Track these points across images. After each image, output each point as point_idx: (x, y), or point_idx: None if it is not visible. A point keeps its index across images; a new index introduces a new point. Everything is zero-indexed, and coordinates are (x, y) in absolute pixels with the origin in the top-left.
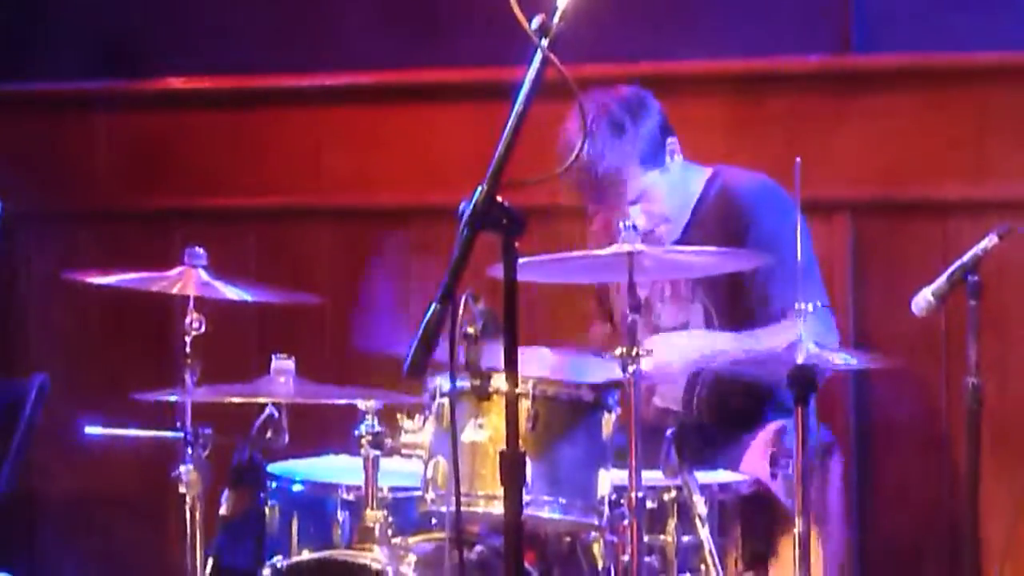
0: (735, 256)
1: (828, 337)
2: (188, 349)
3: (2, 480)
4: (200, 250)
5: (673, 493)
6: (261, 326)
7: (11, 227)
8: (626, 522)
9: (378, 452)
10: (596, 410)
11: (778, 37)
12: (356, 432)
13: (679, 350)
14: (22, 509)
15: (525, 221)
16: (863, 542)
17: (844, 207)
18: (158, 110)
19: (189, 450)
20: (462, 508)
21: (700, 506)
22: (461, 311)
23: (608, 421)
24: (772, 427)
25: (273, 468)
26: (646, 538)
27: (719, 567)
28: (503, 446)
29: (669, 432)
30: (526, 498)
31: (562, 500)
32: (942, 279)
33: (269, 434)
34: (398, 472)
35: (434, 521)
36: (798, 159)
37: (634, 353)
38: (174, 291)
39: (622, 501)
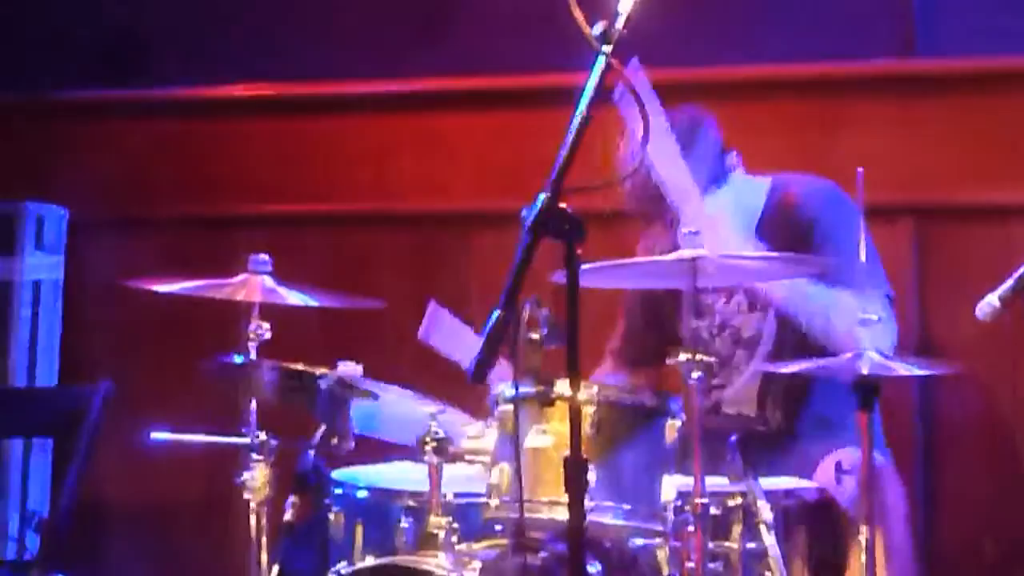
0: (798, 261)
1: (887, 330)
2: (253, 356)
3: (68, 487)
4: (264, 257)
5: (738, 499)
6: (324, 332)
7: (77, 234)
8: (690, 528)
9: (442, 458)
10: (659, 416)
11: (841, 41)
12: (420, 438)
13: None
14: (87, 516)
15: (587, 227)
16: (928, 550)
17: (907, 211)
18: (222, 117)
19: (254, 456)
20: (525, 514)
21: (765, 512)
22: (524, 317)
23: (672, 427)
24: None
25: (337, 474)
26: (710, 545)
27: (784, 574)
28: (566, 452)
29: (733, 438)
30: (589, 504)
31: (625, 506)
32: (1008, 283)
33: (334, 440)
34: (462, 478)
35: (498, 527)
36: (860, 169)
37: (697, 360)
38: (239, 298)
39: (686, 507)
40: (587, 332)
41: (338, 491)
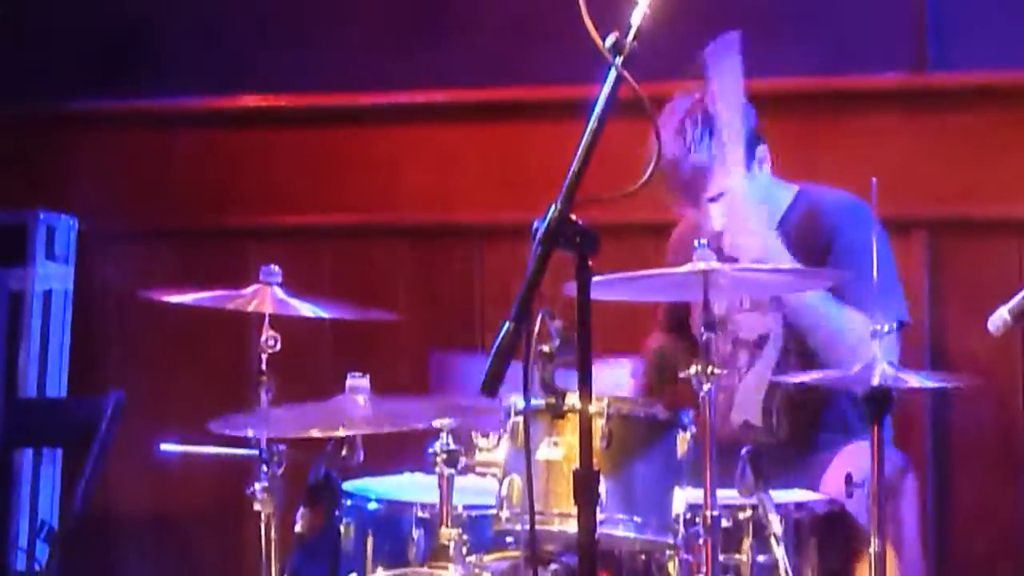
0: (812, 275)
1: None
2: (263, 367)
3: (78, 498)
4: (275, 268)
5: (748, 512)
6: (336, 343)
7: (87, 245)
8: (701, 541)
9: (453, 470)
10: (671, 428)
11: (855, 55)
12: (431, 450)
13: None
14: (98, 526)
15: (599, 239)
16: (940, 564)
17: (921, 225)
18: (234, 128)
19: (264, 468)
20: (537, 526)
21: (775, 525)
22: (536, 329)
23: (683, 439)
24: (851, 448)
25: (348, 486)
26: (721, 557)
27: None
28: (577, 464)
29: (744, 450)
30: (600, 516)
31: (637, 519)
32: (1019, 297)
33: (344, 452)
34: (473, 490)
35: (509, 539)
36: (874, 180)
37: (709, 372)
38: (249, 309)
39: (697, 520)
40: (600, 345)
41: (349, 503)
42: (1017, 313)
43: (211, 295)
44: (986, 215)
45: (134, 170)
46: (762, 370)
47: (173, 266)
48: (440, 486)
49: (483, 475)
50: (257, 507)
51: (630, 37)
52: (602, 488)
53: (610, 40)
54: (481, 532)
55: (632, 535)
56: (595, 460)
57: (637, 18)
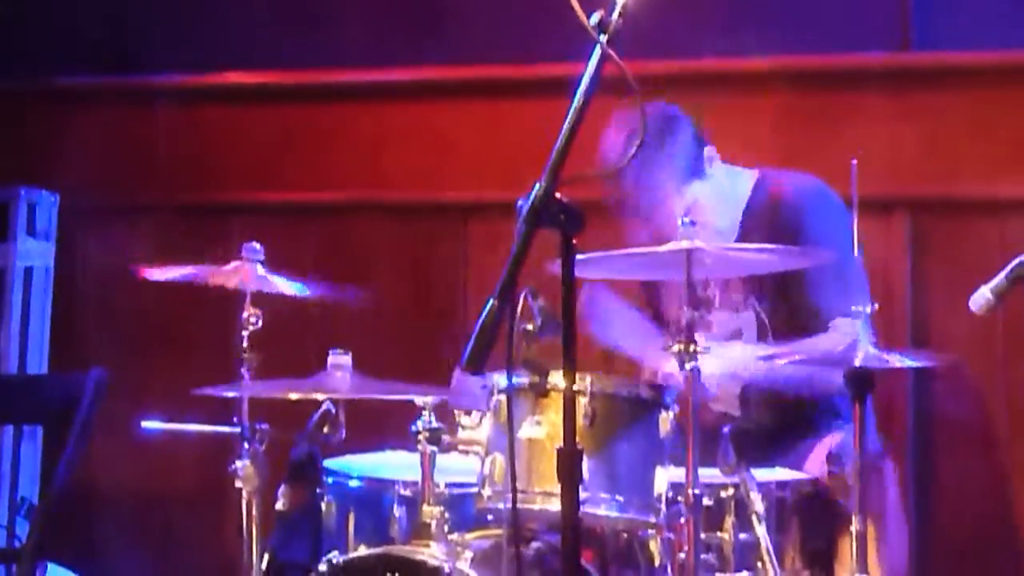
0: (792, 254)
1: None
2: (245, 344)
3: (60, 475)
4: (257, 245)
5: (730, 490)
6: (320, 321)
7: (69, 221)
8: (683, 519)
9: (435, 448)
10: (654, 408)
11: (838, 35)
12: (413, 428)
13: (728, 362)
14: (80, 504)
15: (583, 217)
16: (923, 542)
17: (902, 205)
18: (218, 105)
19: (246, 445)
20: (519, 505)
21: (757, 503)
22: (520, 307)
23: (665, 419)
24: (837, 433)
25: (330, 464)
26: (703, 535)
27: (776, 565)
28: (560, 443)
29: (726, 429)
30: (583, 495)
31: (619, 497)
32: (1001, 276)
33: (326, 429)
34: (455, 468)
35: (491, 518)
36: (854, 161)
37: (691, 350)
38: (230, 286)
39: (679, 498)
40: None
41: (331, 480)
42: (999, 292)
43: (192, 271)
44: (968, 195)
45: (117, 146)
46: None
47: (155, 243)
48: (422, 464)
49: (465, 453)
50: (239, 484)
51: (615, 15)
52: (585, 466)
53: (595, 18)
54: (463, 510)
55: (615, 514)
56: (578, 439)
57: None
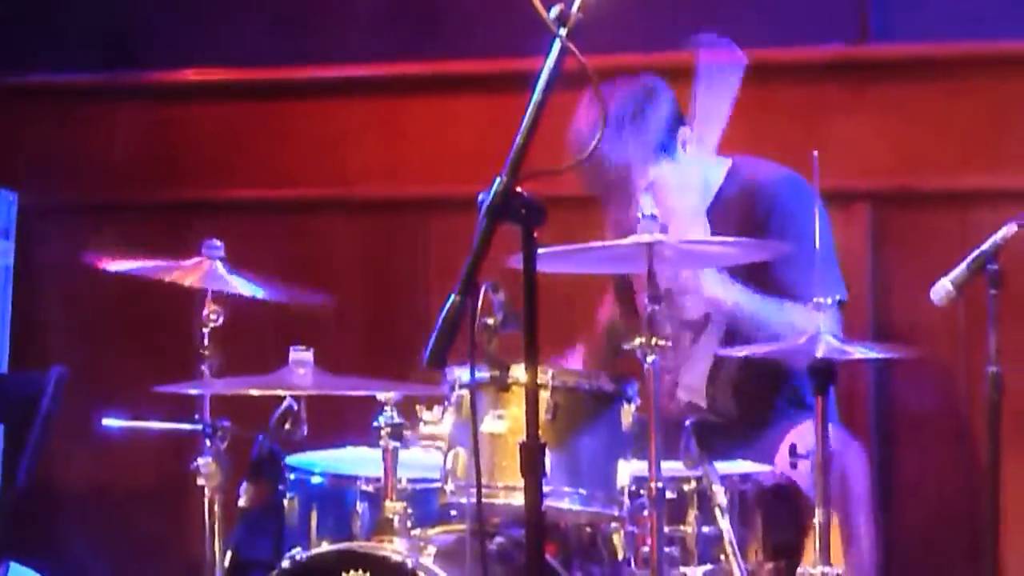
0: (755, 247)
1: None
2: (206, 341)
3: (20, 473)
4: (217, 242)
5: (693, 484)
6: (280, 318)
7: (29, 219)
8: (646, 513)
9: (397, 444)
10: (616, 401)
11: (795, 26)
12: (375, 424)
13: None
14: (41, 502)
15: (545, 211)
16: (884, 533)
17: (863, 197)
18: (177, 102)
19: (208, 442)
20: (482, 500)
21: (720, 496)
22: (481, 302)
23: (628, 412)
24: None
25: (292, 460)
26: (666, 529)
27: (739, 558)
28: (523, 437)
29: (688, 422)
30: (546, 489)
31: (582, 491)
32: (961, 268)
33: (288, 426)
34: (417, 464)
35: (454, 513)
36: (815, 153)
37: (653, 344)
38: (186, 283)
39: (642, 492)
40: (545, 318)
41: (293, 477)
42: (960, 283)
43: (151, 266)
44: (929, 187)
45: (77, 143)
46: (706, 348)
47: (116, 241)
48: (384, 459)
49: (428, 448)
50: (201, 482)
51: (575, 8)
52: (547, 460)
53: (555, 11)
54: (426, 505)
55: (578, 507)
56: (540, 433)
57: None
